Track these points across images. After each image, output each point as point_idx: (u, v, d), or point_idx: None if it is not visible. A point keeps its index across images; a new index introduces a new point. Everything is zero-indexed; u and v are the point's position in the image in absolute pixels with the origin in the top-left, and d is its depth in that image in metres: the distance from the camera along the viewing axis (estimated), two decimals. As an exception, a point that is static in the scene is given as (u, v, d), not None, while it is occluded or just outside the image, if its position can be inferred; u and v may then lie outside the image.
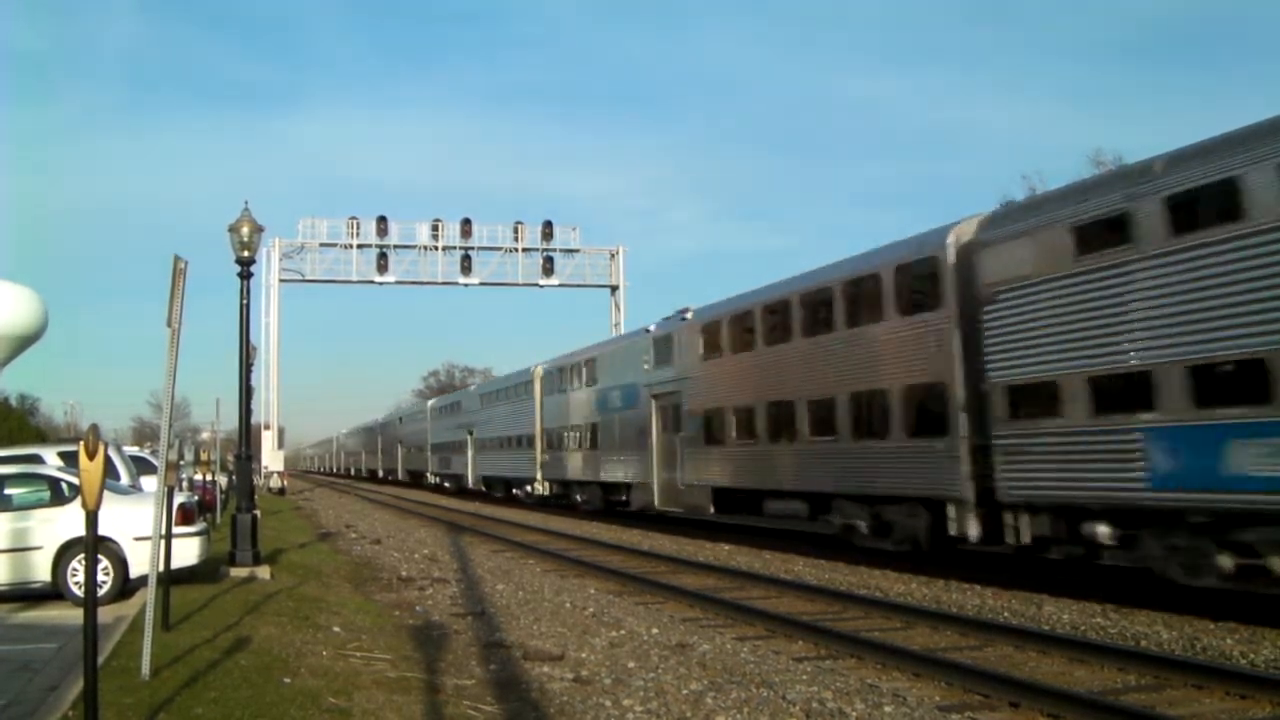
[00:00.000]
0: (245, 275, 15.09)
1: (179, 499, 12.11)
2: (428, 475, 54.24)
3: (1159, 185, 11.46)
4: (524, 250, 53.11)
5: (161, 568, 8.73)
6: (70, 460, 14.62)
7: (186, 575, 12.44)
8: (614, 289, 55.93)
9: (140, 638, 7.59)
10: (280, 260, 51.84)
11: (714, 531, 22.91)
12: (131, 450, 21.91)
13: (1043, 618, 11.59)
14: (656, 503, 24.59)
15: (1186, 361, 10.96)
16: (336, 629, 10.65)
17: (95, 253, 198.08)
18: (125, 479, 16.31)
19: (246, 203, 14.99)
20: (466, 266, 52.65)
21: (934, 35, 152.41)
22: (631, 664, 9.46)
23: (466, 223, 52.54)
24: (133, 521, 12.00)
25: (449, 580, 16.25)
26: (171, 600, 10.02)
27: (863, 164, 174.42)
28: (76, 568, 11.98)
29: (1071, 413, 12.31)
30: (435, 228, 52.27)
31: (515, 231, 53.16)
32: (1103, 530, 12.19)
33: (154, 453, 19.10)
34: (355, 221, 51.79)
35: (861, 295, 16.72)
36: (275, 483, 47.97)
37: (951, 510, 14.39)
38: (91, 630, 5.32)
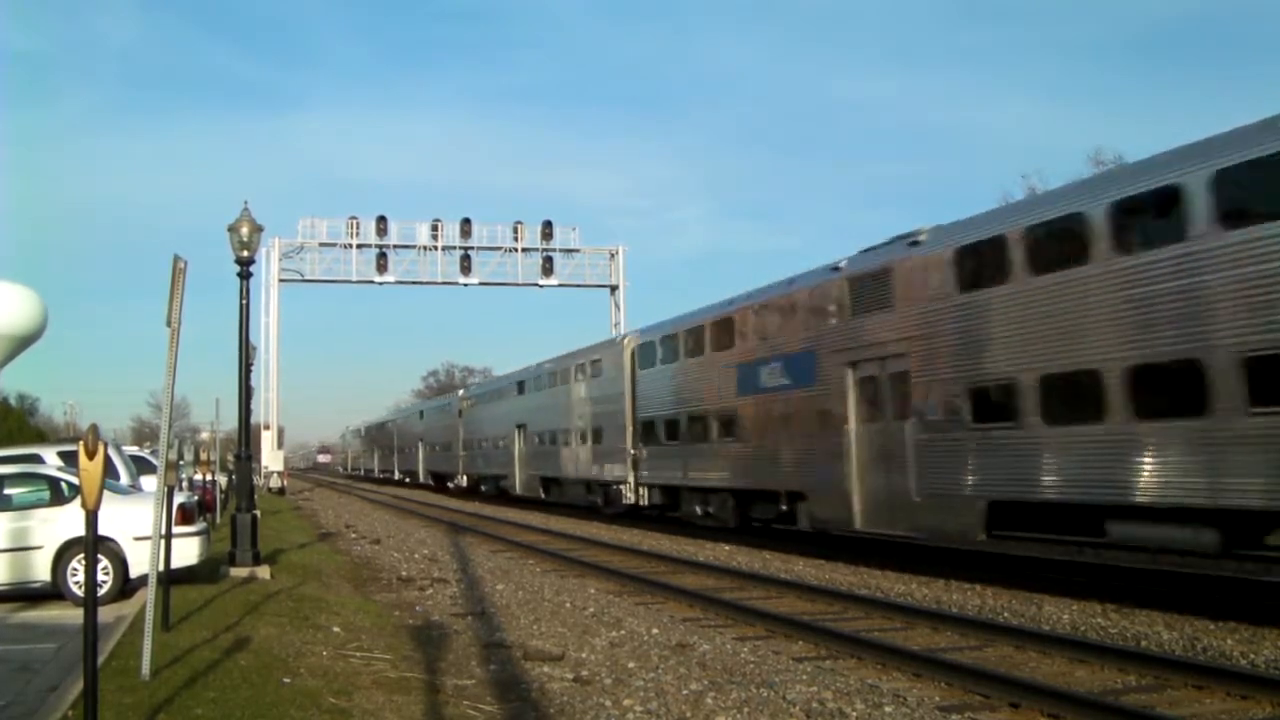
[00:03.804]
0: (245, 275, 15.08)
1: (179, 499, 12.11)
2: (627, 489, 26.99)
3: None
4: (524, 250, 52.99)
5: (161, 568, 8.73)
6: (70, 460, 14.62)
7: (186, 575, 12.43)
8: (614, 289, 55.81)
9: (140, 638, 7.58)
10: (280, 260, 51.72)
11: (714, 532, 22.93)
12: (131, 450, 21.91)
13: (1043, 618, 11.59)
14: None
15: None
16: (336, 629, 10.65)
17: (95, 253, 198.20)
18: (125, 479, 16.31)
19: (246, 203, 14.99)
20: (466, 266, 52.55)
21: (934, 35, 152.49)
22: (631, 664, 9.46)
23: (466, 223, 52.43)
24: (133, 521, 12.00)
25: (449, 580, 16.24)
26: (171, 600, 10.02)
27: (863, 164, 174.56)
28: (76, 567, 11.98)
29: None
30: (435, 228, 52.16)
31: (515, 231, 53.05)
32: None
33: (154, 453, 19.10)
34: (355, 221, 51.66)
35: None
36: (275, 483, 47.94)
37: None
38: (91, 630, 5.31)
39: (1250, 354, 10.34)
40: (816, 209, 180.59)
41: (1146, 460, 11.54)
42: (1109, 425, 11.93)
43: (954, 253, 14.53)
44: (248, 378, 16.47)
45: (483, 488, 45.26)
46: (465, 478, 48.41)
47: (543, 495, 35.56)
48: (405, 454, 65.67)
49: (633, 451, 26.60)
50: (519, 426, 37.90)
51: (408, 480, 64.42)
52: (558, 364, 34.60)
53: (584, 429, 30.96)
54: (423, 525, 29.72)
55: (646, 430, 25.75)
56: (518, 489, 38.52)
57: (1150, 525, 11.68)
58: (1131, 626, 10.86)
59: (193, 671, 7.69)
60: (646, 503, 26.46)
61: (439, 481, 55.58)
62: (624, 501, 27.47)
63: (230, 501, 25.42)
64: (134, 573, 12.11)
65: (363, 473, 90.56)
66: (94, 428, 5.27)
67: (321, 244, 51.88)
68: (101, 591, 11.23)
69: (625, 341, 27.93)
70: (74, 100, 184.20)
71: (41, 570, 12.10)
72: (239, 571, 14.28)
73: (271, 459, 49.68)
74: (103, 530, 9.25)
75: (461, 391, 53.83)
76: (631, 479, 26.78)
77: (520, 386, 38.77)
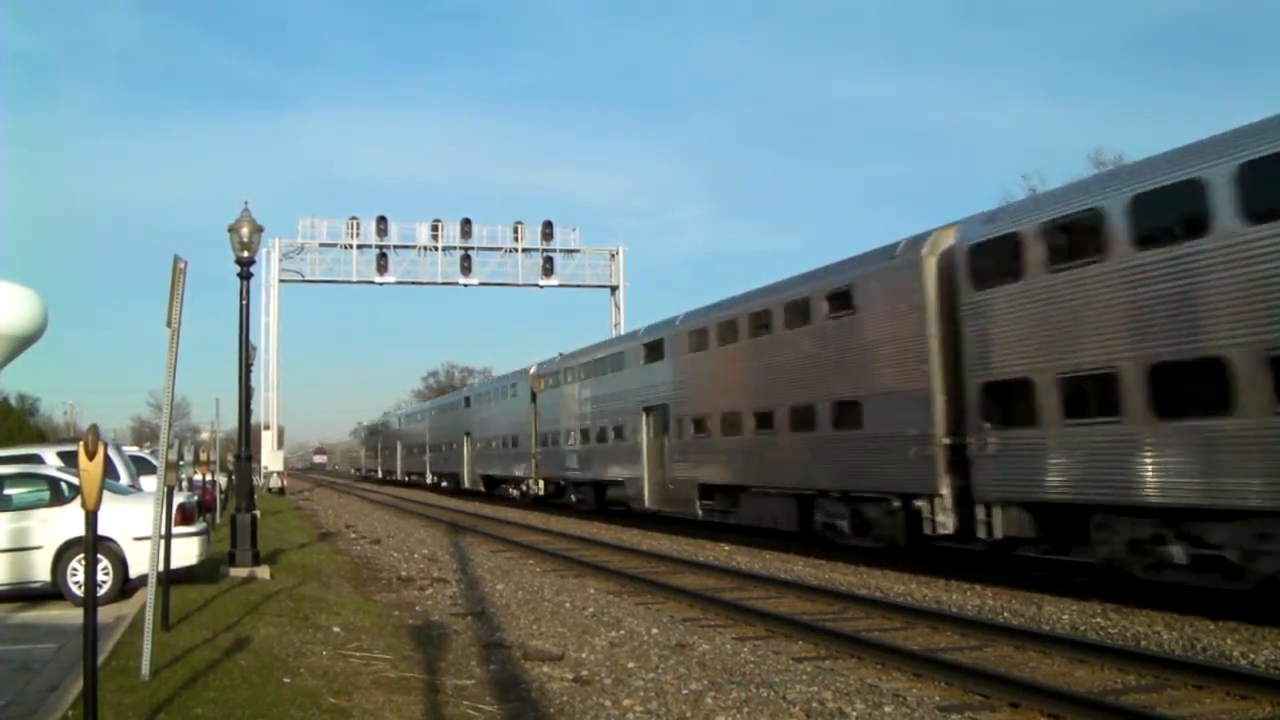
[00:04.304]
0: (245, 275, 15.08)
1: (179, 499, 12.11)
2: (936, 508, 15.42)
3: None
4: (524, 250, 52.99)
5: (161, 568, 8.73)
6: (70, 460, 14.62)
7: (186, 575, 12.43)
8: (614, 289, 55.80)
9: (140, 638, 7.59)
10: (280, 260, 51.71)
11: (714, 532, 22.92)
12: (131, 450, 21.92)
13: (1043, 618, 11.59)
14: None
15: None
16: (336, 629, 10.65)
17: (95, 253, 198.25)
18: (125, 479, 16.32)
19: (246, 203, 15.00)
20: (466, 267, 52.54)
21: (934, 35, 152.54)
22: (631, 664, 9.46)
23: (466, 223, 52.43)
24: (132, 521, 12.01)
25: (449, 580, 16.24)
26: (171, 600, 10.02)
27: (863, 164, 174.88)
28: (76, 567, 11.99)
29: None
30: (435, 228, 52.15)
31: (515, 232, 53.06)
32: None
33: (154, 453, 19.11)
34: (355, 221, 51.67)
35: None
36: (275, 483, 47.95)
37: None
38: (91, 630, 5.32)
39: None
40: (816, 209, 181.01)
41: None
42: None
43: None
44: (248, 378, 16.46)
45: (573, 498, 33.50)
46: (542, 483, 36.27)
47: (698, 513, 23.45)
48: (441, 452, 53.41)
49: (947, 440, 15.04)
50: (646, 410, 26.61)
51: (444, 485, 51.80)
52: (742, 307, 21.86)
53: (809, 405, 18.67)
54: (422, 525, 29.72)
55: (995, 400, 14.15)
56: (646, 501, 26.54)
57: None
58: (1131, 626, 10.86)
59: (193, 671, 7.69)
60: (995, 534, 14.08)
61: (492, 487, 43.51)
62: (937, 527, 15.16)
63: (230, 501, 25.42)
64: (134, 573, 12.11)
65: (379, 475, 75.03)
66: (94, 428, 5.27)
67: (322, 244, 51.88)
68: (101, 591, 11.23)
69: (925, 249, 15.76)
70: (74, 100, 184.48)
71: (41, 570, 12.10)
72: (239, 571, 14.28)
73: (271, 459, 49.69)
74: (103, 530, 9.25)
75: (534, 368, 37.97)
76: (947, 489, 14.99)
77: (652, 350, 26.57)
